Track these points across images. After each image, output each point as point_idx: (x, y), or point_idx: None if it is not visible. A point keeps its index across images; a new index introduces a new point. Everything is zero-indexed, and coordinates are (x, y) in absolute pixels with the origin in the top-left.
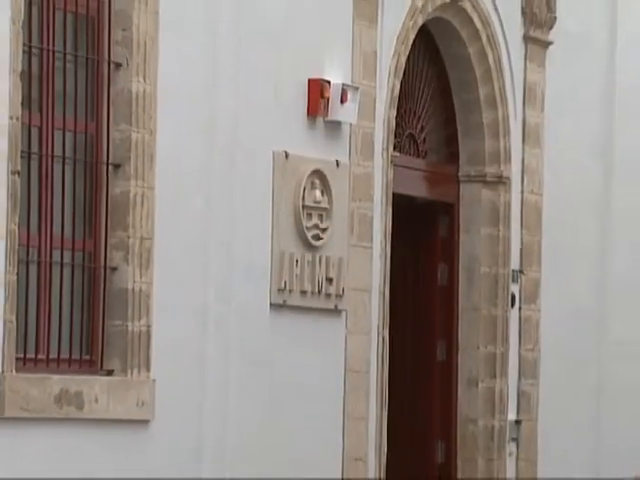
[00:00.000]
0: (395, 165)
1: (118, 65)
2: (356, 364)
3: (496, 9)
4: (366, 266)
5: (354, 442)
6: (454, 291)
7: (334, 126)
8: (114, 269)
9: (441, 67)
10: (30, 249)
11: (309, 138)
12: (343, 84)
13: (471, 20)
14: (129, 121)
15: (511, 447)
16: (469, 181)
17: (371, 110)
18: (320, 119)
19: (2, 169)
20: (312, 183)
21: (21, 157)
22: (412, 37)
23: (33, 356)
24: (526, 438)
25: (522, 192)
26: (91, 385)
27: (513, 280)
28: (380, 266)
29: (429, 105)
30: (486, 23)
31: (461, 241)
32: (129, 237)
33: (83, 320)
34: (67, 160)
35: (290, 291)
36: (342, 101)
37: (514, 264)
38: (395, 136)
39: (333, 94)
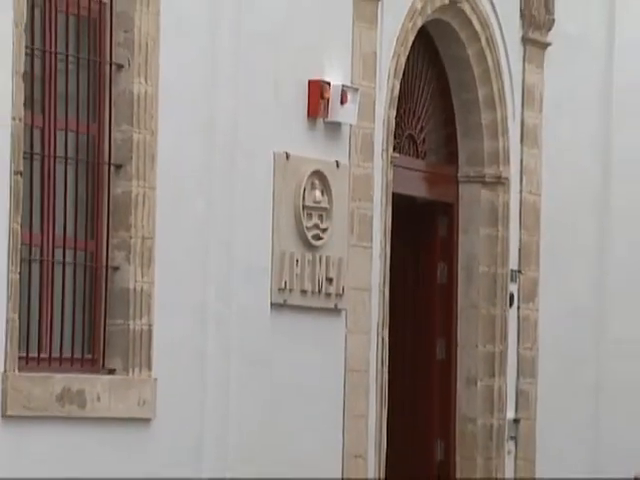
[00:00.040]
0: (395, 165)
1: (120, 66)
2: (356, 363)
3: (495, 11)
4: (366, 266)
5: (354, 440)
6: (453, 290)
7: (334, 127)
8: (116, 269)
9: (440, 68)
10: (32, 248)
11: (309, 139)
12: (343, 85)
13: (470, 22)
14: (130, 122)
15: (510, 445)
16: (468, 181)
17: (371, 111)
18: (320, 120)
19: (5, 169)
20: (312, 183)
21: (24, 158)
22: (411, 38)
23: (35, 355)
24: (525, 437)
25: (521, 192)
26: (93, 384)
27: (512, 279)
28: (380, 266)
29: (428, 106)
30: (485, 25)
31: (460, 241)
32: (130, 237)
33: (85, 319)
34: (69, 160)
35: (290, 290)
36: (342, 102)
37: (513, 264)
38: (395, 137)
39: (333, 95)
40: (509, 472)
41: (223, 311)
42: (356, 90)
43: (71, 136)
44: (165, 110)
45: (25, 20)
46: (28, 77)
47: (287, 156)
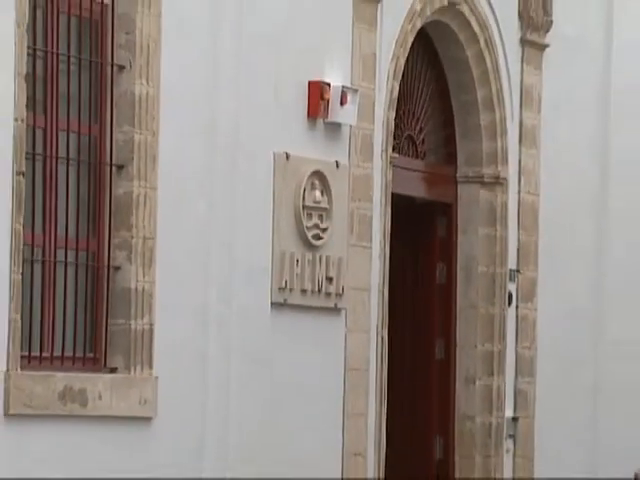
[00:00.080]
0: (394, 166)
1: (121, 68)
2: (356, 362)
3: (493, 12)
4: (365, 265)
5: (354, 438)
6: (452, 290)
7: (334, 128)
8: (117, 268)
9: (439, 69)
10: (35, 249)
11: (309, 139)
12: (343, 86)
13: (469, 23)
14: (132, 123)
15: (508, 444)
16: (467, 182)
17: (370, 112)
18: (320, 121)
19: (7, 170)
20: (312, 184)
21: (26, 158)
22: (411, 40)
23: (37, 354)
24: (523, 435)
25: (519, 193)
26: (94, 382)
27: (510, 279)
28: (379, 265)
29: (427, 107)
30: (484, 26)
31: (459, 241)
32: (132, 237)
33: (87, 318)
34: (71, 161)
35: (291, 290)
36: (342, 103)
37: (511, 263)
38: (394, 137)
39: (333, 96)
40: (508, 470)
41: (224, 310)
42: (356, 91)
43: (73, 137)
44: (166, 111)
45: (27, 21)
46: (30, 78)
47: (287, 156)
